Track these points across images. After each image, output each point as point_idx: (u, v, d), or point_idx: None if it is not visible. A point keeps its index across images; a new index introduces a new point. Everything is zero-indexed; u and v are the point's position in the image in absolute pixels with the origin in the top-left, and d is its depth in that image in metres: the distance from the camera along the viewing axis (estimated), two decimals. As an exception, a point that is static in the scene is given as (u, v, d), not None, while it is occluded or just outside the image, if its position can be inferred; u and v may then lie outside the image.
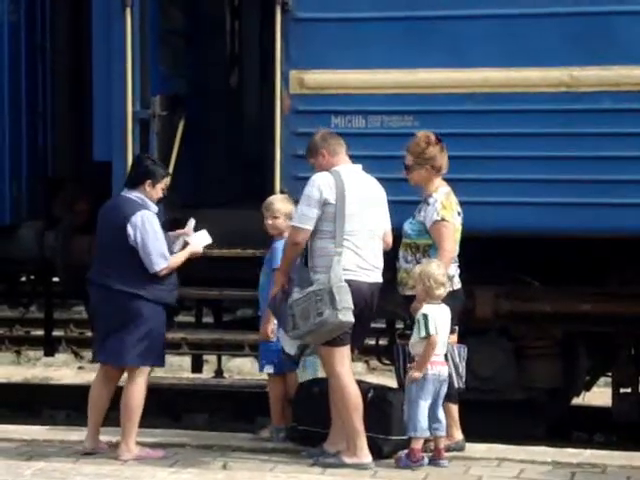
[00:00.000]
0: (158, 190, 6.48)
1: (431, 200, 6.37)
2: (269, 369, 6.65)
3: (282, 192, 7.16)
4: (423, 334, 6.15)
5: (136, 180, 6.44)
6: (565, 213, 6.99)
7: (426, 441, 6.27)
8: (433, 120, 7.05)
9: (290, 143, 7.22)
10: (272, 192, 7.19)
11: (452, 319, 6.36)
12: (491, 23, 7.04)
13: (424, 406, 6.16)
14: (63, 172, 8.25)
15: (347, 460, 6.14)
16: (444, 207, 6.34)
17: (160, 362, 6.58)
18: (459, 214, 6.46)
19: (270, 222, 6.66)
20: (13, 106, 8.01)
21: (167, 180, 6.57)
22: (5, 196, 7.97)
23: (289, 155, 7.22)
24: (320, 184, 6.14)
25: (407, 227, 6.43)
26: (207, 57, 8.60)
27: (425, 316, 6.17)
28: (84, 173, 8.16)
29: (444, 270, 6.22)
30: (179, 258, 6.48)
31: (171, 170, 7.59)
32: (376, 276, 6.24)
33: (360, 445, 6.13)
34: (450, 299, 6.32)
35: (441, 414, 6.24)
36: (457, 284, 6.44)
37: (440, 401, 6.24)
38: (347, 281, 6.06)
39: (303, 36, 7.18)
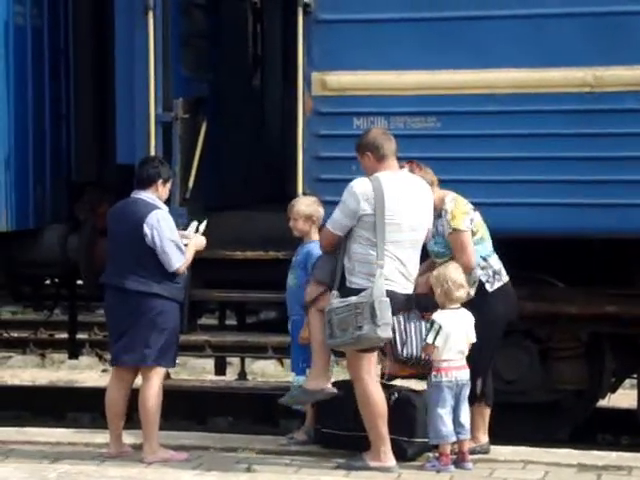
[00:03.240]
0: (167, 190, 6.51)
1: (442, 212, 6.35)
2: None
3: (304, 194, 7.14)
4: (426, 339, 6.15)
5: (148, 180, 6.44)
6: (589, 214, 6.94)
7: (452, 443, 6.27)
8: (456, 121, 7.02)
9: (312, 145, 7.20)
10: (295, 194, 7.18)
11: (506, 316, 6.36)
12: (514, 23, 7.00)
13: (443, 412, 6.14)
14: (86, 175, 8.28)
15: (371, 463, 6.12)
16: (453, 217, 6.31)
17: (173, 363, 6.58)
18: (475, 209, 6.43)
19: (290, 224, 6.65)
20: (36, 110, 8.04)
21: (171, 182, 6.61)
22: (29, 199, 7.99)
23: (311, 157, 7.21)
24: (358, 193, 6.04)
25: (435, 248, 6.39)
26: (229, 59, 8.60)
27: (431, 323, 6.16)
28: (107, 176, 8.18)
29: (462, 272, 6.20)
30: (190, 253, 6.49)
31: (194, 173, 7.61)
32: (410, 288, 6.17)
33: (384, 450, 6.12)
34: (500, 296, 6.31)
35: (464, 418, 6.22)
36: (505, 277, 6.41)
37: (462, 405, 6.22)
38: (388, 291, 6.00)
39: (325, 37, 7.17)
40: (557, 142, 6.96)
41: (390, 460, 6.13)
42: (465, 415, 6.22)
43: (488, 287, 6.38)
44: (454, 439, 6.19)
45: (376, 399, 6.11)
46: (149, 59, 7.41)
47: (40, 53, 8.07)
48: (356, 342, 6.00)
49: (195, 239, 6.61)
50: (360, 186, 6.08)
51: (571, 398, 7.65)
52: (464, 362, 6.22)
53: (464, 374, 6.21)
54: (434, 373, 6.19)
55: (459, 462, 6.23)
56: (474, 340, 6.24)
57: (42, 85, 8.09)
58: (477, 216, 6.44)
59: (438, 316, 6.19)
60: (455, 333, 6.19)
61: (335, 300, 6.05)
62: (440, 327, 6.14)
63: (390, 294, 6.02)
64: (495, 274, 6.41)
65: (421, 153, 6.92)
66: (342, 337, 5.99)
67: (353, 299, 5.99)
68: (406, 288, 6.14)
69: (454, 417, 6.18)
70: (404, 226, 6.08)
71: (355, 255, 6.08)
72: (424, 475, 6.12)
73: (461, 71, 7.03)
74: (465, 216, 6.35)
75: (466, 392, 6.22)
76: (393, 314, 6.05)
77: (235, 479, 6.08)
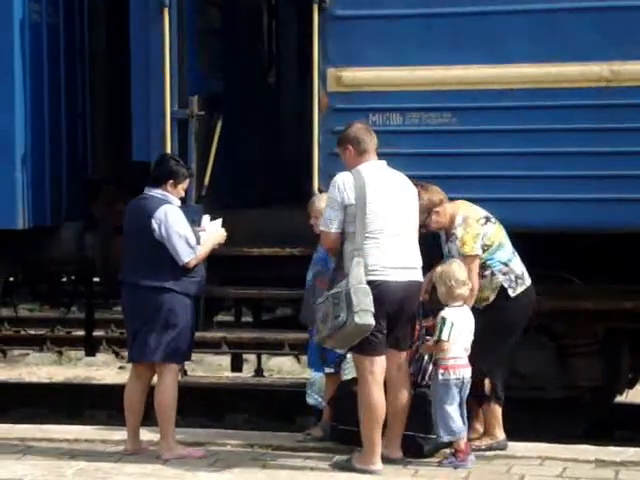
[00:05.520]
0: (180, 190, 6.51)
1: (452, 237, 6.34)
2: (330, 369, 6.62)
3: (320, 191, 7.13)
4: (436, 338, 6.14)
5: (158, 179, 6.48)
6: (606, 209, 6.92)
7: (469, 439, 6.27)
8: (471, 117, 7.01)
9: (328, 141, 7.19)
10: (310, 191, 7.18)
11: (525, 319, 6.39)
12: (529, 18, 6.98)
13: (452, 410, 6.14)
14: (102, 173, 8.30)
15: (357, 465, 6.07)
16: (463, 243, 6.29)
17: (188, 358, 6.59)
18: (488, 220, 6.38)
19: (312, 222, 6.66)
20: (53, 107, 8.06)
21: (188, 181, 6.59)
22: (45, 196, 8.02)
23: (327, 153, 7.20)
24: (340, 185, 6.04)
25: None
26: (244, 56, 8.60)
27: (443, 319, 6.14)
28: (123, 173, 8.19)
29: (465, 270, 6.19)
30: (206, 247, 6.50)
31: (209, 170, 7.61)
32: (411, 275, 6.09)
33: (373, 454, 6.03)
34: (521, 301, 6.33)
35: (464, 415, 6.21)
36: (527, 280, 6.41)
37: (464, 403, 6.21)
38: (375, 282, 5.94)
39: (340, 34, 7.16)
40: (573, 137, 6.94)
41: (376, 464, 6.04)
42: (464, 413, 6.22)
43: (510, 292, 6.37)
44: (465, 433, 6.17)
45: (375, 403, 6.02)
46: (164, 56, 7.42)
47: (56, 51, 8.09)
48: (336, 333, 5.89)
49: (215, 233, 6.62)
50: (341, 178, 6.09)
51: (588, 394, 7.63)
52: (467, 360, 6.21)
53: (468, 372, 6.21)
54: (441, 371, 6.17)
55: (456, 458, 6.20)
56: (472, 337, 6.23)
57: (58, 82, 8.11)
58: (489, 228, 6.38)
59: (447, 313, 6.18)
60: (461, 330, 6.18)
61: (319, 298, 6.03)
62: (452, 323, 6.13)
63: (380, 284, 5.96)
64: (517, 279, 6.39)
65: (436, 149, 6.91)
66: (324, 330, 5.94)
67: (331, 291, 5.95)
68: (401, 275, 6.02)
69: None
70: (388, 214, 6.02)
71: (346, 254, 6.03)
72: (441, 471, 6.11)
73: (476, 66, 7.01)
74: (475, 240, 6.30)
75: (467, 390, 6.22)
76: (392, 304, 5.99)
77: (252, 476, 6.08)
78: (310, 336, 6.70)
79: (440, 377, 6.17)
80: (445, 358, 6.17)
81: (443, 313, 6.18)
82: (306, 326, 6.72)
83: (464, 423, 6.19)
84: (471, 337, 6.22)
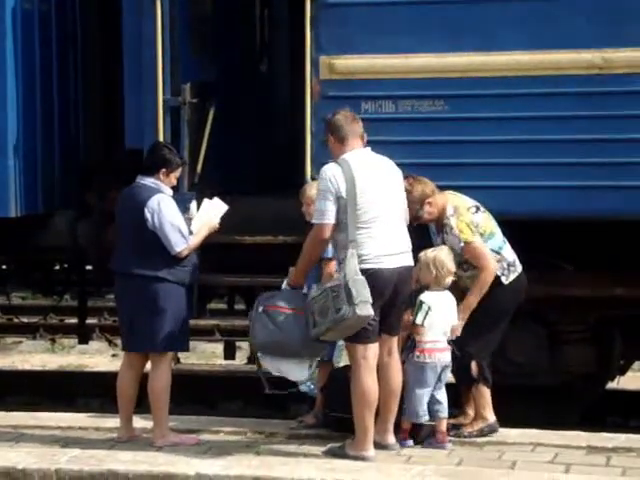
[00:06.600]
0: (172, 179, 6.50)
1: (447, 229, 6.36)
2: (322, 356, 6.64)
3: (313, 179, 7.14)
4: (412, 322, 6.17)
5: (151, 167, 6.47)
6: (597, 196, 6.93)
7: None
8: (463, 104, 7.01)
9: (320, 129, 7.19)
10: (303, 179, 7.19)
11: (516, 304, 6.42)
12: (522, 6, 6.98)
13: (422, 393, 6.17)
14: (95, 160, 8.29)
15: (350, 452, 6.10)
16: (461, 231, 6.32)
17: (184, 347, 6.60)
18: (477, 209, 6.39)
19: (303, 209, 6.66)
20: (45, 95, 8.05)
21: (180, 169, 6.57)
22: (37, 185, 8.01)
23: (319, 141, 7.20)
24: (331, 177, 6.02)
25: None
26: (237, 44, 8.59)
27: (420, 303, 6.17)
28: (116, 161, 8.19)
29: (453, 258, 6.21)
30: (198, 237, 6.50)
31: (202, 158, 7.61)
32: (403, 260, 6.09)
33: (365, 440, 6.06)
34: (514, 287, 6.35)
35: (442, 396, 6.24)
36: (519, 267, 6.43)
37: (442, 385, 6.24)
38: (369, 270, 5.94)
39: (333, 21, 7.16)
40: (565, 124, 6.95)
41: (368, 450, 6.06)
42: (443, 394, 6.25)
43: (504, 280, 6.40)
44: (427, 418, 6.20)
45: (367, 389, 6.04)
46: (157, 43, 7.42)
47: (48, 38, 8.07)
48: (337, 325, 5.91)
49: (208, 222, 6.62)
50: (331, 170, 6.07)
51: (580, 381, 7.66)
52: (446, 344, 6.24)
53: (447, 356, 6.23)
54: (417, 353, 6.21)
55: (437, 442, 6.23)
56: (456, 322, 6.25)
57: (50, 70, 8.09)
58: (479, 217, 6.42)
59: (426, 297, 6.20)
60: (440, 314, 6.21)
61: (313, 291, 6.04)
62: (429, 308, 6.16)
63: (374, 272, 5.96)
64: (510, 266, 6.43)
65: (429, 136, 6.92)
66: (323, 323, 5.93)
67: (328, 284, 5.96)
68: (394, 261, 6.03)
69: (431, 396, 6.21)
70: (379, 202, 6.03)
71: (339, 243, 6.05)
72: (433, 457, 6.11)
73: (469, 54, 7.01)
74: (470, 227, 6.34)
75: (447, 373, 6.24)
76: (387, 291, 6.00)
77: (245, 463, 6.10)
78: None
79: (415, 359, 6.20)
80: (423, 341, 6.20)
81: (422, 297, 6.21)
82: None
83: (440, 404, 6.19)
84: (453, 321, 6.24)
